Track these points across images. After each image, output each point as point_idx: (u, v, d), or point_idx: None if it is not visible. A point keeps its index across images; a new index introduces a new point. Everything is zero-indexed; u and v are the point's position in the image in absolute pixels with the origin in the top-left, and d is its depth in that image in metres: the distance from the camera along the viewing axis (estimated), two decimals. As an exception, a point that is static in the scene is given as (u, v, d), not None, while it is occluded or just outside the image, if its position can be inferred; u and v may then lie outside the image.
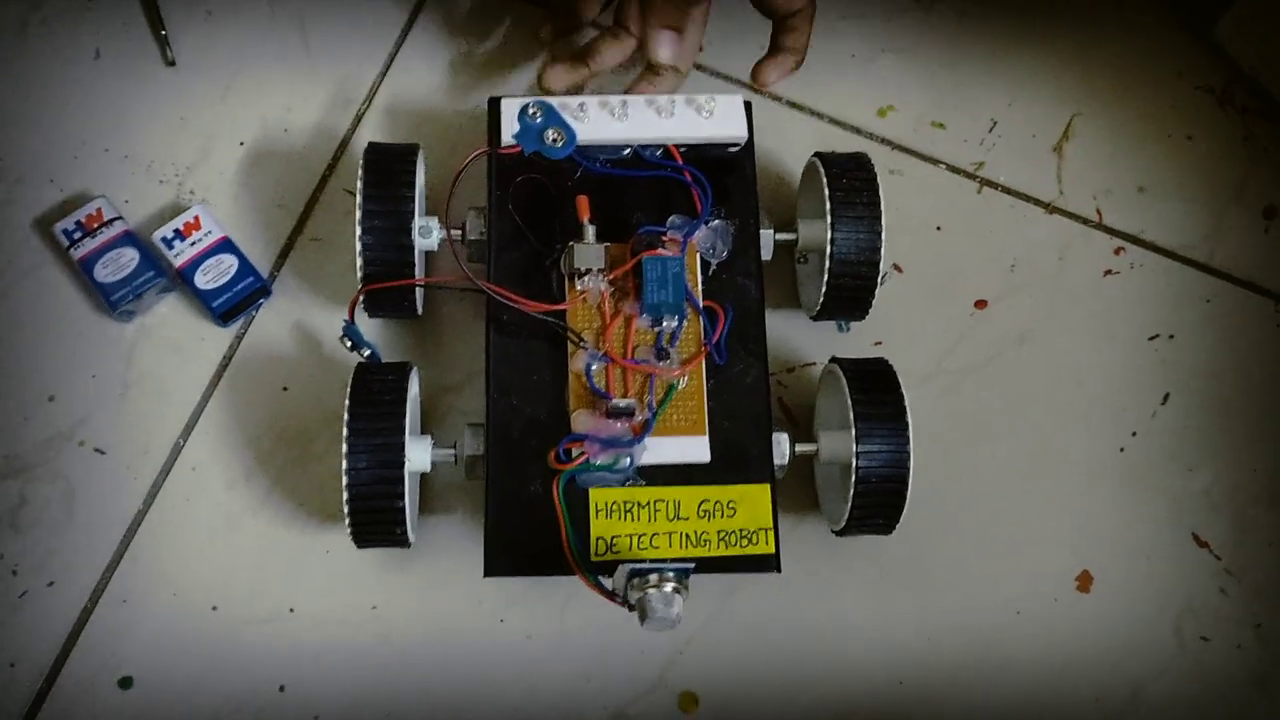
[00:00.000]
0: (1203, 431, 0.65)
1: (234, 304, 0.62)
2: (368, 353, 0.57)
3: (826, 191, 0.58)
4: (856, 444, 0.54)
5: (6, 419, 0.61)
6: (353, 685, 0.58)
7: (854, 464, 0.54)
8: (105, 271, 0.61)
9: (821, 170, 0.59)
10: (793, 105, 0.70)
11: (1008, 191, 0.69)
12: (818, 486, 0.62)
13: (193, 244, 0.62)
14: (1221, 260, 0.69)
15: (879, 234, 0.58)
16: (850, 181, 0.59)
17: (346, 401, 0.53)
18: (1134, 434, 0.65)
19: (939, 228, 0.68)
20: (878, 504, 0.55)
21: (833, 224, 0.58)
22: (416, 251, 0.58)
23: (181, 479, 0.61)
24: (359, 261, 0.56)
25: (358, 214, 0.56)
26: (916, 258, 0.67)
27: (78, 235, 0.62)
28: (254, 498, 0.61)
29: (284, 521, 0.60)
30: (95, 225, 0.62)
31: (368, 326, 0.62)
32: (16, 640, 0.58)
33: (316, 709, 0.58)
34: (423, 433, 0.59)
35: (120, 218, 0.63)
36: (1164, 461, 0.64)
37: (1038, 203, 0.69)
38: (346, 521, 0.53)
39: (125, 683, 0.57)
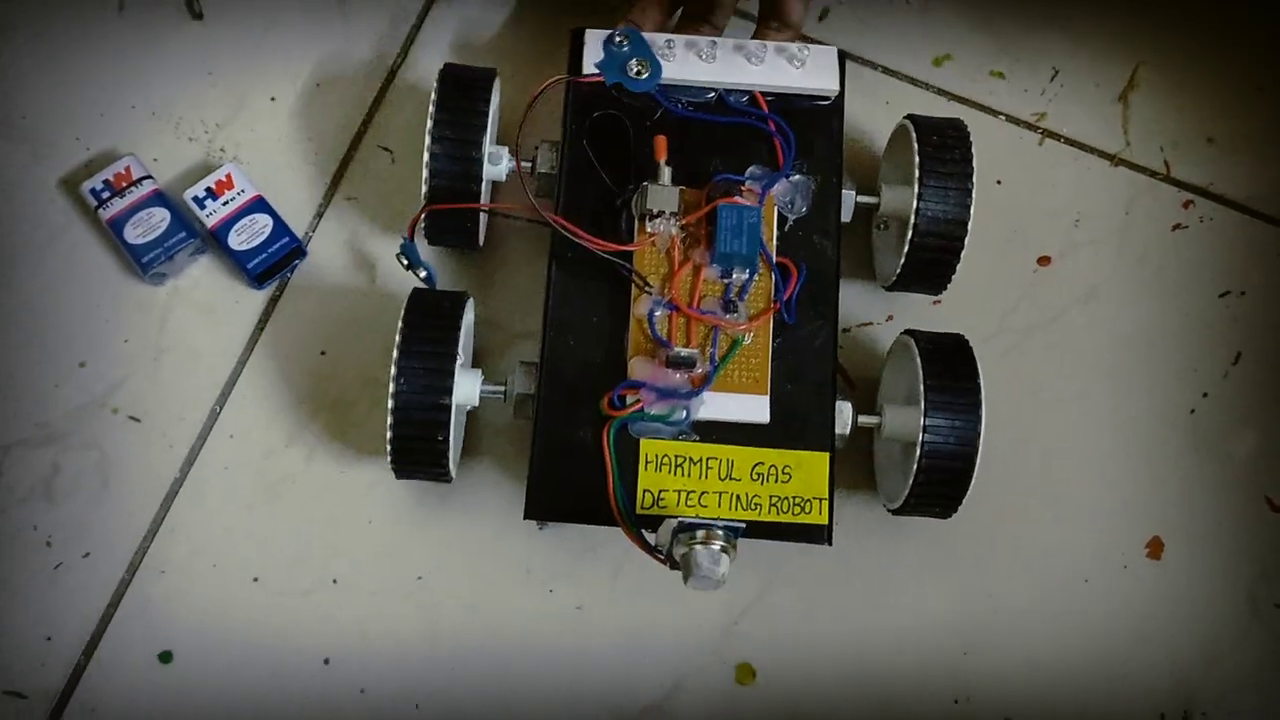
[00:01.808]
0: (1276, 392, 0.62)
1: (269, 265, 0.60)
2: (424, 274, 0.56)
3: (916, 146, 0.56)
4: (924, 426, 0.52)
5: (38, 386, 0.59)
6: (399, 657, 0.56)
7: (919, 447, 0.52)
8: (136, 232, 0.59)
9: (913, 131, 0.57)
10: (844, 55, 0.67)
11: (1071, 143, 0.66)
12: (876, 461, 0.60)
13: (225, 203, 0.60)
14: (1294, 214, 0.66)
15: (969, 192, 0.56)
16: (942, 139, 0.56)
17: (400, 324, 0.51)
18: (1205, 395, 0.62)
19: (999, 181, 0.65)
20: (939, 490, 0.53)
21: (921, 178, 0.55)
22: (484, 181, 0.56)
23: (219, 446, 0.59)
24: (425, 174, 0.55)
25: (429, 124, 0.54)
26: (976, 213, 0.63)
27: (106, 195, 0.60)
28: (293, 466, 0.59)
29: (325, 490, 0.58)
30: (124, 184, 0.60)
31: (426, 255, 0.60)
32: (52, 613, 0.56)
33: (362, 682, 0.56)
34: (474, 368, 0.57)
35: (150, 176, 0.61)
36: (1236, 423, 0.62)
37: (1102, 155, 0.66)
38: (388, 448, 0.51)
39: (165, 657, 0.56)
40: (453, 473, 0.54)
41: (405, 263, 0.56)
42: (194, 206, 0.60)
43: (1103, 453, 0.61)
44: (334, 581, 0.57)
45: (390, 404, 0.50)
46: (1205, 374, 0.63)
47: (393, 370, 0.50)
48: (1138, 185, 0.66)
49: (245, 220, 0.60)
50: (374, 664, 0.56)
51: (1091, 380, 0.62)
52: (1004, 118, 0.67)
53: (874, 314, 0.63)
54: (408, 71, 0.65)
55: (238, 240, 0.60)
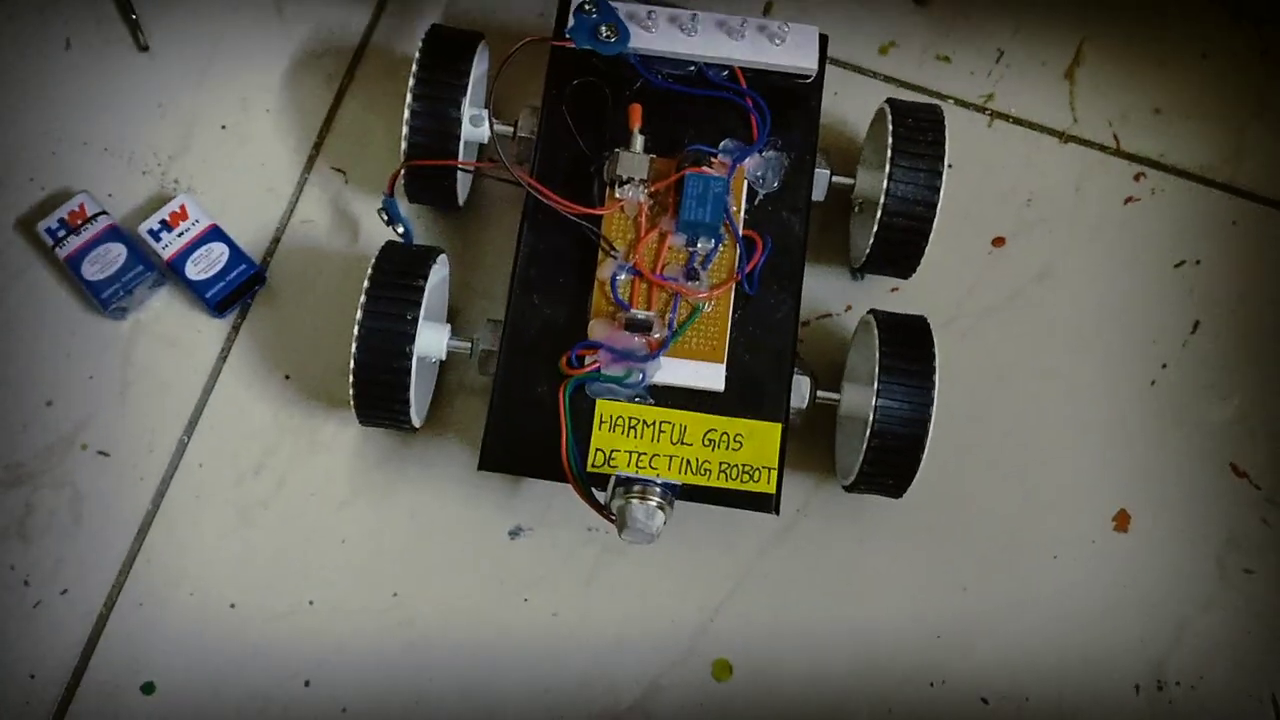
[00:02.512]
0: (1236, 358, 0.63)
1: (228, 294, 0.60)
2: (401, 230, 0.58)
3: (890, 128, 0.57)
4: (877, 392, 0.52)
5: (6, 427, 0.59)
6: (378, 674, 0.57)
7: (872, 412, 0.53)
8: (93, 269, 0.60)
9: (889, 114, 0.58)
10: (825, 36, 0.67)
11: (1019, 123, 0.67)
12: (836, 442, 0.60)
13: (180, 234, 0.60)
14: (1246, 180, 0.66)
15: (939, 174, 0.57)
16: (916, 122, 0.58)
17: (369, 270, 0.53)
18: (1164, 366, 0.63)
19: (950, 165, 0.64)
20: (890, 463, 0.54)
21: (893, 158, 0.56)
22: (463, 142, 0.58)
23: (189, 476, 0.59)
24: (404, 131, 0.56)
25: (411, 82, 0.56)
26: (929, 198, 0.65)
27: (62, 234, 0.60)
28: (264, 490, 0.59)
29: (297, 513, 0.59)
30: (79, 222, 0.60)
31: (408, 214, 0.62)
32: (34, 651, 0.57)
33: (343, 701, 0.56)
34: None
35: (104, 212, 0.61)
36: (1197, 392, 0.62)
37: (1051, 132, 0.67)
38: (350, 392, 0.53)
39: (148, 688, 0.56)
40: (415, 422, 0.56)
41: (386, 218, 0.58)
42: (149, 239, 0.60)
43: (1066, 429, 0.62)
44: (310, 603, 0.58)
45: (354, 346, 0.52)
46: (1164, 345, 0.63)
47: (359, 314, 0.52)
48: (1088, 161, 0.66)
49: (201, 250, 0.60)
50: (354, 682, 0.57)
51: (1051, 358, 0.63)
52: (952, 101, 0.67)
53: (834, 305, 0.63)
54: (356, 89, 0.66)
55: (195, 270, 0.60)
